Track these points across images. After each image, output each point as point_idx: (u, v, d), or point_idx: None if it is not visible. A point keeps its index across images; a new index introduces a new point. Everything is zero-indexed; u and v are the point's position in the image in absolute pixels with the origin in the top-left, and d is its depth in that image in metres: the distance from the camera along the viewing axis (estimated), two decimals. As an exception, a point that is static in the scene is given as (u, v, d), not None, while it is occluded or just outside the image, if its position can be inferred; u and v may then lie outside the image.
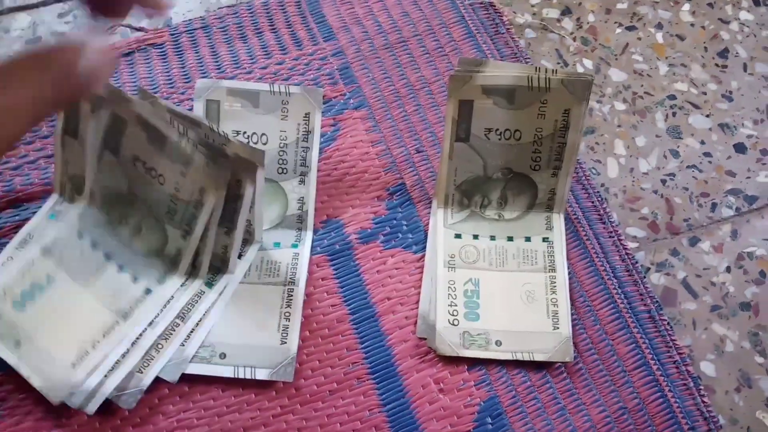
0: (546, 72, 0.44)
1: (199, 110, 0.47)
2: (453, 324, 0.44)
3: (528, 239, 0.48)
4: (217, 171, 0.40)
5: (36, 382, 0.40)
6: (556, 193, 0.47)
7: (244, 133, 0.47)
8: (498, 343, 0.44)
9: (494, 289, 0.46)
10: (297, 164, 0.47)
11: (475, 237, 0.47)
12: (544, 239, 0.47)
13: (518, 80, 0.44)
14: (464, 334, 0.44)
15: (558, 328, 0.44)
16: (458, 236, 0.47)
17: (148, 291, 0.44)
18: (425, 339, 0.45)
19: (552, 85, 0.44)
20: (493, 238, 0.47)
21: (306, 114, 0.47)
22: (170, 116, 0.41)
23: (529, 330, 0.45)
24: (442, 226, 0.47)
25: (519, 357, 0.44)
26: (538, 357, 0.44)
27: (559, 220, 0.48)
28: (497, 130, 0.46)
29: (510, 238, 0.48)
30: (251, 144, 0.47)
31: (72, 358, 0.41)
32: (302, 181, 0.47)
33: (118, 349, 0.42)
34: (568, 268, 0.47)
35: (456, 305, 0.45)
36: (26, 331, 0.41)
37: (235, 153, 0.40)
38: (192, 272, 0.44)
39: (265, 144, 0.47)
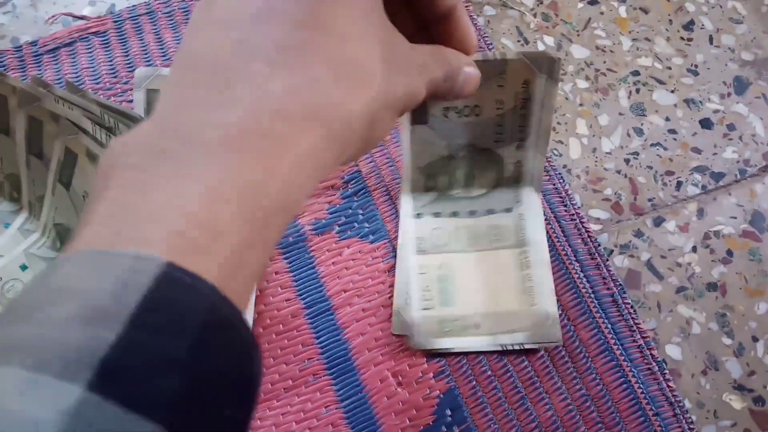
0: (502, 50, 0.42)
1: (139, 100, 0.45)
2: (427, 312, 0.43)
3: (498, 213, 0.46)
4: None
5: None
6: (523, 165, 0.46)
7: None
8: (476, 326, 0.43)
9: (468, 270, 0.45)
10: None
11: (446, 216, 0.46)
12: (512, 211, 0.46)
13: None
14: (441, 321, 0.43)
15: (535, 304, 0.43)
16: (428, 217, 0.46)
17: None
18: (403, 336, 0.43)
19: (509, 57, 0.42)
20: (463, 215, 0.46)
21: None
22: (101, 110, 0.39)
23: (506, 310, 0.43)
24: (411, 211, 0.46)
25: (500, 341, 0.42)
26: (520, 338, 0.42)
27: (530, 194, 0.46)
28: (455, 108, 0.44)
29: (480, 214, 0.46)
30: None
31: (529, 299, 0.43)
32: None
33: None
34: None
35: (430, 290, 0.44)
36: (472, 315, 0.43)
37: None
38: None
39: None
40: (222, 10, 0.21)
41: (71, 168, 0.40)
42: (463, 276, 0.44)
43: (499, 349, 0.42)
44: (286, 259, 0.45)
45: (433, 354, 0.43)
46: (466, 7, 0.54)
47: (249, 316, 0.43)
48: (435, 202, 0.46)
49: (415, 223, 0.46)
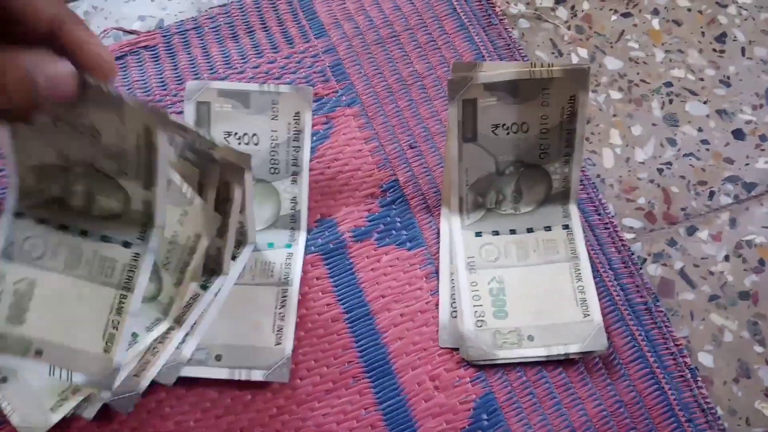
0: (544, 65, 0.43)
1: (189, 113, 0.47)
2: (480, 326, 0.44)
3: (548, 228, 0.47)
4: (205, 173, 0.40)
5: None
6: (570, 181, 0.47)
7: (235, 134, 0.47)
8: (530, 338, 0.44)
9: (520, 284, 0.46)
10: (289, 164, 0.47)
11: (495, 233, 0.47)
12: (564, 227, 0.47)
13: (519, 74, 0.44)
14: (495, 333, 0.44)
15: (588, 315, 0.44)
16: (478, 235, 0.47)
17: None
18: (453, 349, 0.44)
19: (554, 75, 0.43)
20: (513, 231, 0.47)
21: (296, 113, 0.47)
22: None
23: (561, 321, 0.44)
24: (459, 228, 0.47)
25: (554, 351, 0.43)
26: (573, 348, 0.43)
27: (575, 209, 0.47)
28: (504, 125, 0.45)
29: (530, 230, 0.47)
30: (243, 145, 0.47)
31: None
32: (294, 181, 0.47)
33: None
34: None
35: (482, 305, 0.45)
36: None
37: (222, 157, 0.40)
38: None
39: (256, 144, 0.47)
40: None
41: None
42: (516, 290, 0.45)
43: (554, 359, 0.44)
44: (327, 265, 0.47)
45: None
46: (501, 20, 0.55)
47: (292, 320, 0.44)
48: (484, 218, 0.48)
49: (463, 239, 0.47)
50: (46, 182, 0.39)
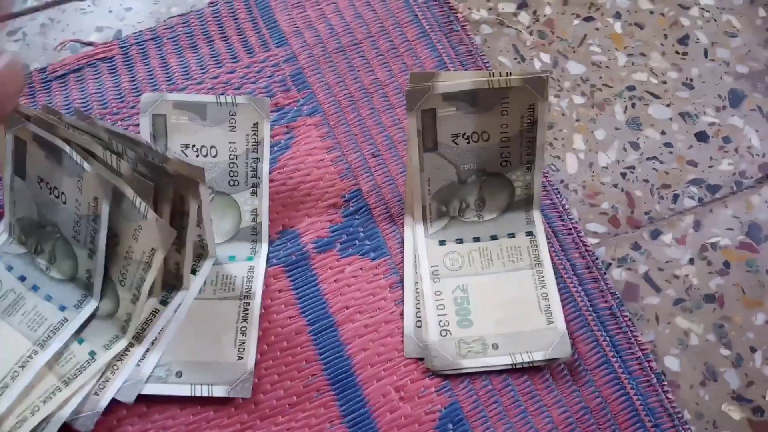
0: (502, 75, 0.43)
1: (145, 125, 0.46)
2: (444, 335, 0.44)
3: (512, 235, 0.47)
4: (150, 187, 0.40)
5: None
6: (533, 188, 0.47)
7: (193, 146, 0.46)
8: (495, 346, 0.44)
9: (484, 292, 0.45)
10: (248, 176, 0.47)
11: (459, 241, 0.47)
12: (528, 233, 0.47)
13: (478, 84, 0.43)
14: (459, 342, 0.44)
15: (552, 322, 0.44)
16: (442, 243, 0.47)
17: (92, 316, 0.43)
18: (418, 359, 0.44)
19: (513, 84, 0.43)
20: (477, 239, 0.47)
21: (254, 124, 0.46)
22: (108, 136, 0.40)
23: (525, 329, 0.44)
24: (423, 237, 0.47)
25: (518, 359, 0.43)
26: (537, 356, 0.43)
27: (538, 216, 0.47)
28: (464, 134, 0.45)
29: (494, 237, 0.47)
30: (201, 157, 0.46)
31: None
32: (254, 193, 0.47)
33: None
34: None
35: (446, 314, 0.45)
36: None
37: (175, 170, 0.39)
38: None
39: (214, 156, 0.47)
40: None
41: (22, 156, 0.42)
42: (480, 298, 0.45)
43: (519, 366, 0.43)
44: (289, 277, 0.46)
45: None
46: (463, 26, 0.55)
47: (254, 334, 0.44)
48: (448, 226, 0.47)
49: (427, 249, 0.46)
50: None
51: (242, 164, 0.47)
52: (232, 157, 0.46)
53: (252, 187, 0.47)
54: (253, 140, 0.47)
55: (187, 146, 0.46)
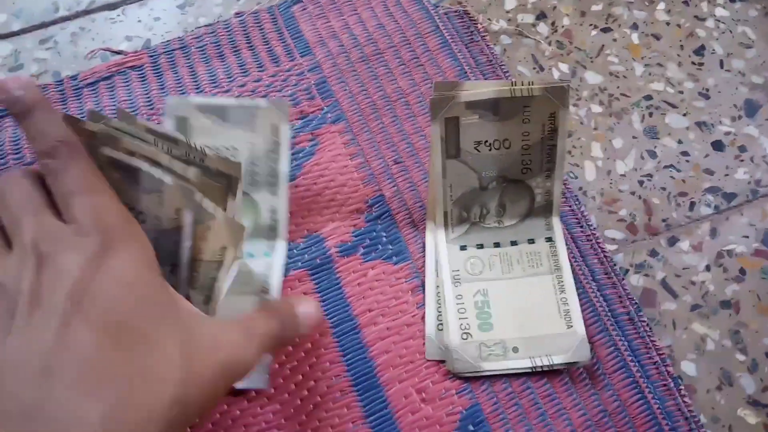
0: (524, 84, 0.44)
1: (169, 127, 0.47)
2: (465, 338, 0.45)
3: (532, 241, 0.48)
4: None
5: None
6: (553, 195, 0.48)
7: (215, 147, 0.48)
8: (515, 349, 0.45)
9: (504, 296, 0.46)
10: (267, 175, 0.48)
11: (479, 247, 0.48)
12: (548, 239, 0.48)
13: (500, 93, 0.45)
14: (480, 345, 0.45)
15: (572, 326, 0.45)
16: (463, 248, 0.48)
17: None
18: (440, 361, 0.45)
19: (534, 93, 0.44)
20: (497, 245, 0.48)
21: (274, 125, 0.47)
22: (152, 136, 0.41)
23: (545, 333, 0.45)
24: (444, 242, 0.48)
25: (537, 362, 0.44)
26: (557, 360, 0.44)
27: (558, 222, 0.48)
28: (486, 141, 0.46)
29: (514, 243, 0.48)
30: (223, 157, 0.47)
31: None
32: (273, 192, 0.48)
33: None
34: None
35: (467, 318, 0.46)
36: None
37: (215, 167, 0.40)
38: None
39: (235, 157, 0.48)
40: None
41: None
42: (501, 302, 0.46)
43: (538, 370, 0.44)
44: (313, 280, 0.47)
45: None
46: (483, 37, 0.56)
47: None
48: (469, 231, 0.48)
49: (448, 253, 0.48)
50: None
51: (262, 164, 0.48)
52: (252, 157, 0.48)
53: (270, 186, 0.48)
54: (273, 141, 0.48)
55: (208, 147, 0.47)
